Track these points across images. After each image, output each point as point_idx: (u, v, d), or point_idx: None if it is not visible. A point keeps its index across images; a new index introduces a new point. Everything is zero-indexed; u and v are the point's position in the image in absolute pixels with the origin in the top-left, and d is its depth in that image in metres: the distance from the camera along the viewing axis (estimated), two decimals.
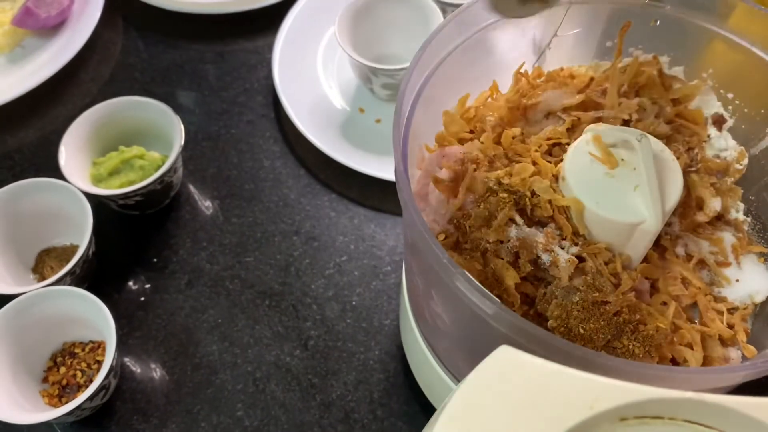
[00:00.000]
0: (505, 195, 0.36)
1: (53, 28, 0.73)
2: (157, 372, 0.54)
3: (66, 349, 0.53)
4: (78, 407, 0.47)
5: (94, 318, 0.51)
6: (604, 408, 0.25)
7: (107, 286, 0.58)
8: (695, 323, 0.37)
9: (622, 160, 0.36)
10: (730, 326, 0.38)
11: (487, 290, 0.30)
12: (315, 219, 0.62)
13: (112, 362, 0.48)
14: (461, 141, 0.41)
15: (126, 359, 0.55)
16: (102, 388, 0.48)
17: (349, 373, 0.53)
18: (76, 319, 0.52)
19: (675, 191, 0.36)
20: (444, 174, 0.37)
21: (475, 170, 0.37)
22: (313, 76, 0.70)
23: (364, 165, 0.62)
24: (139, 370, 0.54)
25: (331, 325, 0.56)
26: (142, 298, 0.58)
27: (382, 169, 0.62)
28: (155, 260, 0.60)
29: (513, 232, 0.35)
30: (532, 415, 0.25)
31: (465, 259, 0.35)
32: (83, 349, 0.54)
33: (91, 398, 0.47)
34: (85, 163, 0.59)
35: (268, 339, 0.55)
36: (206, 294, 0.58)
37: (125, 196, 0.56)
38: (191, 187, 0.64)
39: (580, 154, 0.36)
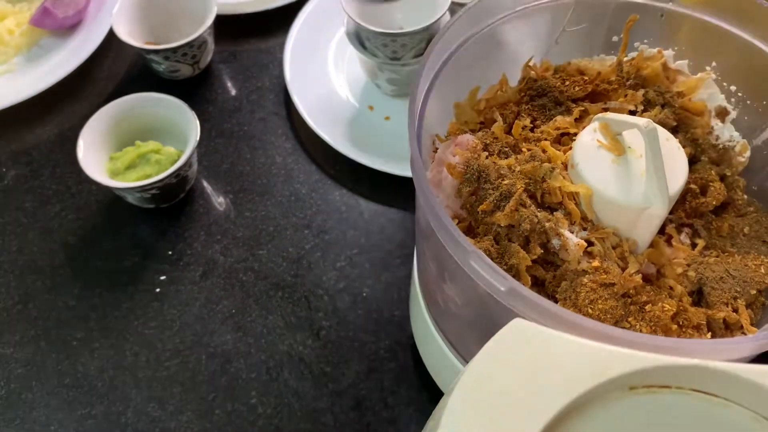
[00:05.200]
0: (517, 181, 0.37)
1: (70, 27, 0.74)
2: (172, 361, 0.55)
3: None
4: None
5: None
6: (613, 375, 0.26)
7: (124, 277, 0.59)
8: (701, 307, 0.38)
9: (629, 147, 0.37)
10: (735, 310, 0.39)
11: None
12: (326, 213, 0.63)
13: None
14: (472, 132, 0.42)
15: (142, 348, 0.56)
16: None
17: (361, 362, 0.55)
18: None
19: (680, 178, 0.37)
20: (457, 160, 0.38)
21: (487, 157, 0.38)
22: (324, 74, 0.72)
23: (373, 161, 0.64)
24: (154, 359, 0.55)
25: (342, 316, 0.57)
26: (158, 290, 0.59)
27: (391, 164, 0.64)
28: (170, 253, 0.61)
29: (524, 216, 0.37)
30: (543, 383, 0.27)
31: (477, 241, 0.36)
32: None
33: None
34: (102, 158, 0.61)
35: (281, 329, 0.57)
36: (220, 285, 0.59)
37: (142, 189, 0.58)
38: (205, 183, 0.66)
39: (588, 142, 0.38)
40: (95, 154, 0.60)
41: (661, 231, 0.40)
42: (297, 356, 0.55)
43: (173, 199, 0.62)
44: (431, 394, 0.53)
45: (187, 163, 0.59)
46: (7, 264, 0.61)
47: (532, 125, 0.42)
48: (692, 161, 0.42)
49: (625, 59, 0.44)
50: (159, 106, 0.62)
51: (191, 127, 0.60)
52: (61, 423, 0.52)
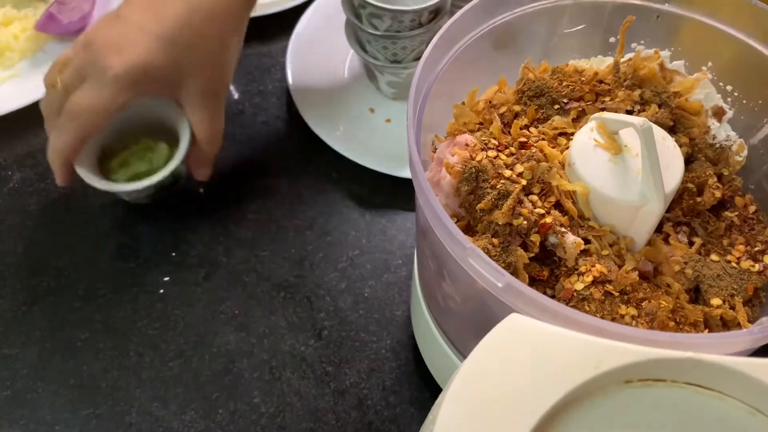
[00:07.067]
0: (514, 180, 0.38)
1: (74, 33, 0.75)
2: (175, 361, 0.56)
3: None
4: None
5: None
6: (608, 368, 0.27)
7: (127, 278, 0.60)
8: (698, 304, 0.39)
9: (626, 146, 0.38)
10: (732, 307, 0.39)
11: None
12: (328, 215, 0.64)
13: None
14: (471, 132, 0.43)
15: (146, 349, 0.56)
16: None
17: (362, 362, 0.55)
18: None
19: (676, 176, 0.38)
20: (455, 160, 0.38)
21: (485, 157, 0.39)
22: (325, 78, 0.73)
23: (374, 163, 0.64)
24: (158, 360, 0.56)
25: (344, 316, 0.58)
26: (161, 291, 0.59)
27: (392, 166, 0.64)
28: (173, 254, 0.61)
29: (521, 214, 0.37)
30: (539, 377, 0.27)
31: (476, 239, 0.37)
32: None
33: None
34: (95, 157, 0.60)
35: (283, 329, 0.57)
36: (223, 286, 0.60)
37: (136, 190, 0.58)
38: (208, 185, 0.66)
39: (585, 141, 0.38)
40: (88, 153, 0.60)
41: (659, 229, 0.40)
42: (299, 356, 0.56)
43: (168, 195, 0.63)
44: (433, 393, 0.53)
45: (181, 163, 0.59)
46: (13, 266, 0.61)
47: (529, 125, 0.42)
48: (689, 160, 0.42)
49: (622, 60, 0.45)
50: (151, 105, 0.62)
51: (184, 126, 0.60)
52: (66, 423, 0.53)
